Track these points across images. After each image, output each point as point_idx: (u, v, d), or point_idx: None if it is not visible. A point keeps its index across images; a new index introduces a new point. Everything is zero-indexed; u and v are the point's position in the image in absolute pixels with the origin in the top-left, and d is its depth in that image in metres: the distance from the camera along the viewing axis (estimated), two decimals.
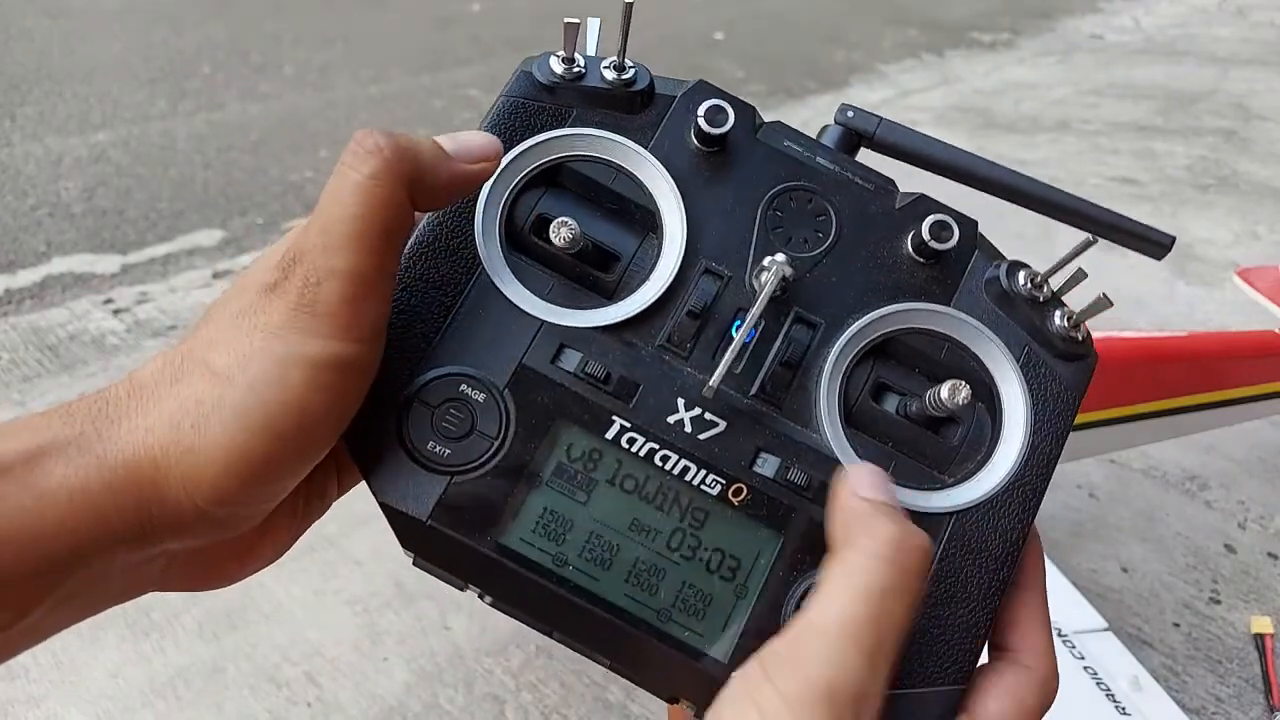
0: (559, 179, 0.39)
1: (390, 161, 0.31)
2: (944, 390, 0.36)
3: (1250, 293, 1.89)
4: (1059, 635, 1.18)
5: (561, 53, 0.38)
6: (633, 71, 0.39)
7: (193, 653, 1.45)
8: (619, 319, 0.37)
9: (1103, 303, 0.37)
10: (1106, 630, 1.23)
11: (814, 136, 0.41)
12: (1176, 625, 1.57)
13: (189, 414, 0.31)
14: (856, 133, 0.41)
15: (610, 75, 0.38)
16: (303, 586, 1.58)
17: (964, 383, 0.36)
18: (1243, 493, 1.89)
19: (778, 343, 0.37)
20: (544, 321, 0.37)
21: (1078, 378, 0.38)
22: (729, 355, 0.35)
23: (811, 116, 4.31)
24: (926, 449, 0.38)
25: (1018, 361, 0.38)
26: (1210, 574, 1.68)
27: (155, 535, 0.31)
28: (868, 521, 0.32)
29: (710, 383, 0.35)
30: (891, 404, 0.38)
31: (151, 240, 2.83)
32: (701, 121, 0.38)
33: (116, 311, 2.41)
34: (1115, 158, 3.78)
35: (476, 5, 5.80)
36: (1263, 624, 1.55)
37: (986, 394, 0.38)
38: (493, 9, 6.10)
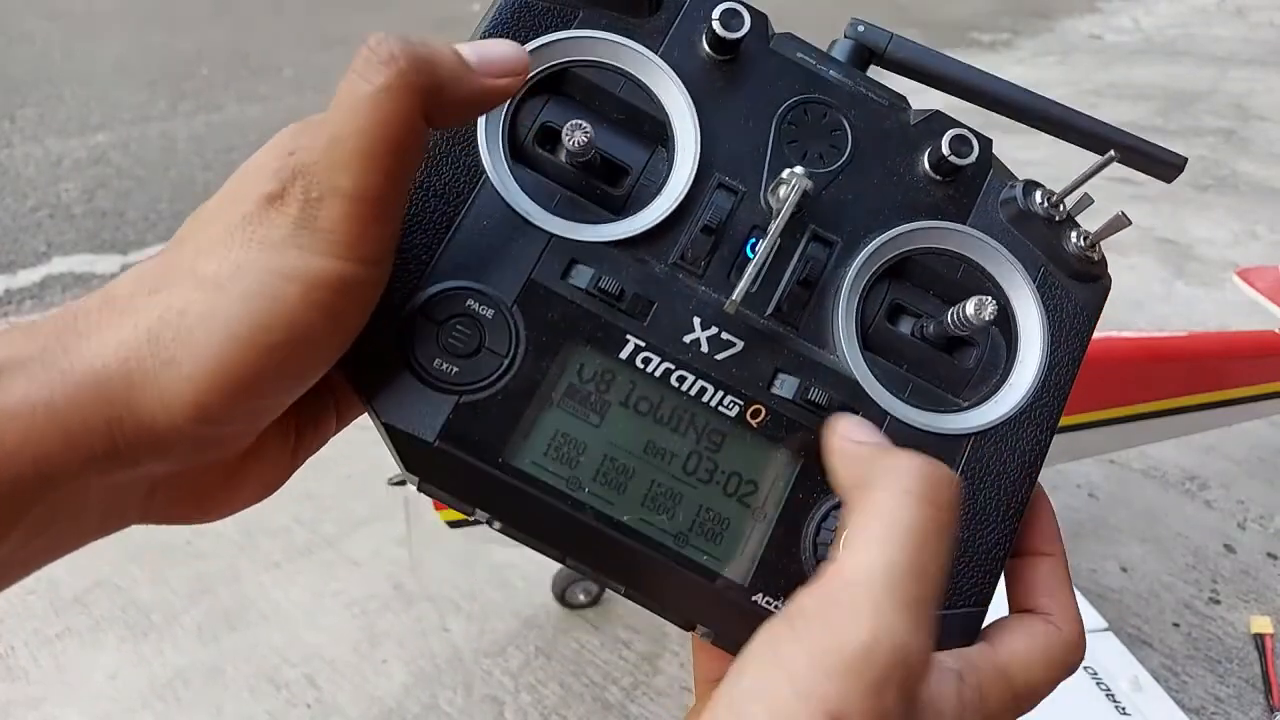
0: (564, 86, 0.37)
1: (406, 73, 0.29)
2: (970, 306, 0.34)
3: (1250, 293, 1.89)
4: None
5: None
6: None
7: (192, 654, 1.45)
8: (631, 234, 0.35)
9: (1120, 221, 0.36)
10: (1106, 630, 1.23)
11: (825, 50, 0.40)
12: (1176, 625, 1.57)
13: (170, 325, 0.29)
14: (868, 48, 0.40)
15: None
16: (301, 588, 1.58)
17: (990, 299, 0.34)
18: (1243, 493, 1.89)
19: (794, 261, 0.36)
20: (554, 235, 0.35)
21: (1093, 298, 0.38)
22: (751, 270, 0.33)
23: None
24: (943, 371, 0.37)
25: (1034, 282, 0.37)
26: (1210, 574, 1.68)
27: (130, 455, 0.29)
28: (888, 459, 0.29)
29: (733, 296, 0.34)
30: (907, 325, 0.38)
31: (151, 240, 2.83)
32: (716, 25, 0.36)
33: None
34: None
35: (476, 5, 5.79)
36: (1262, 624, 1.55)
37: (1002, 315, 0.37)
38: None
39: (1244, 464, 1.97)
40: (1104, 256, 0.38)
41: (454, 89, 0.31)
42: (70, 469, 0.28)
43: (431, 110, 0.30)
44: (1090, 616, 1.25)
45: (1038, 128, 0.42)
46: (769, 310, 0.36)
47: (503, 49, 0.33)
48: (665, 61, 0.37)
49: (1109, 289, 0.38)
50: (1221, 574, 1.68)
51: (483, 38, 0.36)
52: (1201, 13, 7.00)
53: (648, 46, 0.37)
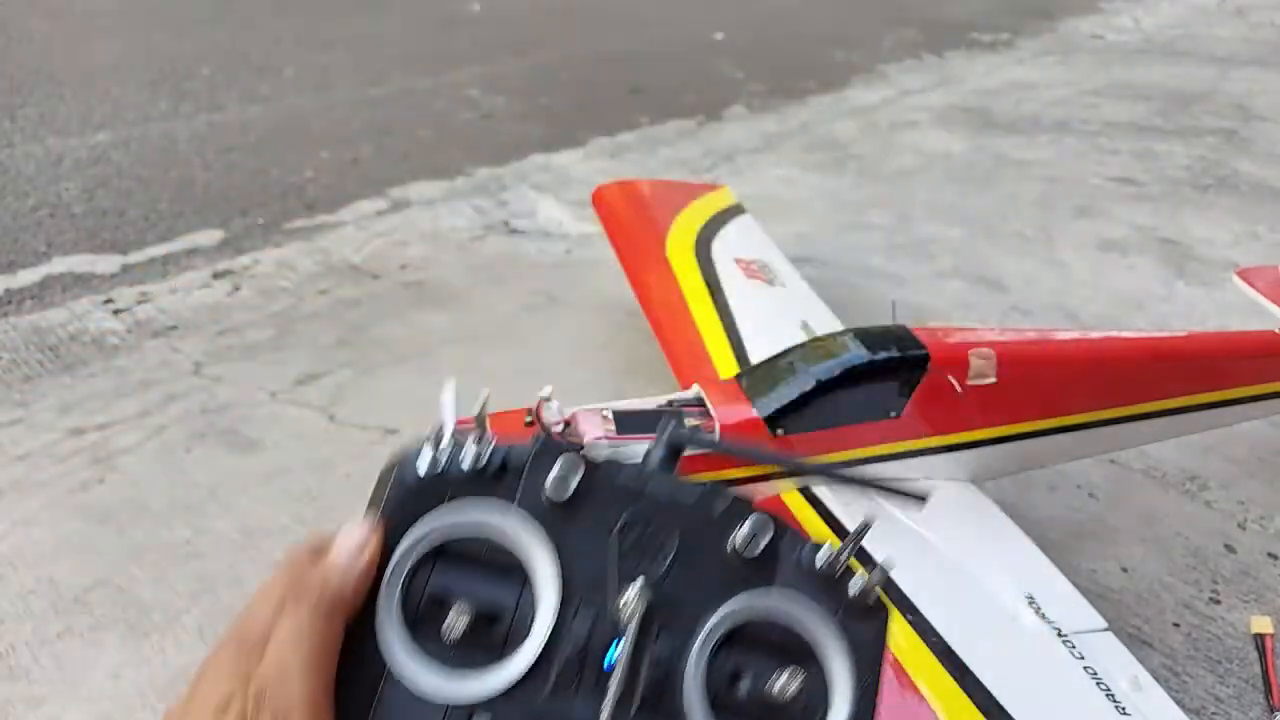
0: (444, 550, 0.45)
1: (321, 602, 0.39)
2: (777, 685, 0.42)
3: (1250, 293, 1.89)
4: (1059, 635, 1.18)
5: (428, 448, 0.45)
6: (489, 454, 0.46)
7: (193, 654, 1.45)
8: (513, 681, 0.42)
9: (883, 573, 0.45)
10: (1106, 630, 1.23)
11: (641, 463, 0.48)
12: (1176, 625, 1.57)
13: None
14: (676, 447, 0.49)
15: (469, 464, 0.45)
16: None
17: (795, 673, 0.43)
18: (1243, 493, 1.89)
19: (648, 658, 0.43)
20: (449, 705, 0.42)
21: (880, 630, 0.46)
22: (609, 701, 0.41)
23: (811, 117, 4.32)
24: (781, 717, 0.44)
25: (834, 625, 0.45)
26: (1210, 574, 1.68)
27: None
28: None
29: None
30: (748, 683, 0.44)
31: (152, 240, 2.83)
32: (549, 490, 0.45)
33: (117, 311, 2.41)
34: (1115, 158, 3.78)
35: (476, 6, 5.80)
36: (1262, 624, 1.55)
37: (814, 659, 0.45)
38: (493, 10, 6.10)
39: (1244, 464, 1.98)
40: (879, 597, 0.46)
41: (348, 585, 0.41)
42: None
43: (346, 610, 0.40)
44: (1090, 616, 1.25)
45: (810, 481, 0.48)
46: (635, 708, 0.42)
47: (354, 539, 0.43)
48: (521, 510, 0.45)
49: (888, 618, 0.46)
50: (1221, 574, 1.68)
51: (380, 515, 0.45)
52: (1202, 13, 7.00)
53: (505, 498, 0.45)
